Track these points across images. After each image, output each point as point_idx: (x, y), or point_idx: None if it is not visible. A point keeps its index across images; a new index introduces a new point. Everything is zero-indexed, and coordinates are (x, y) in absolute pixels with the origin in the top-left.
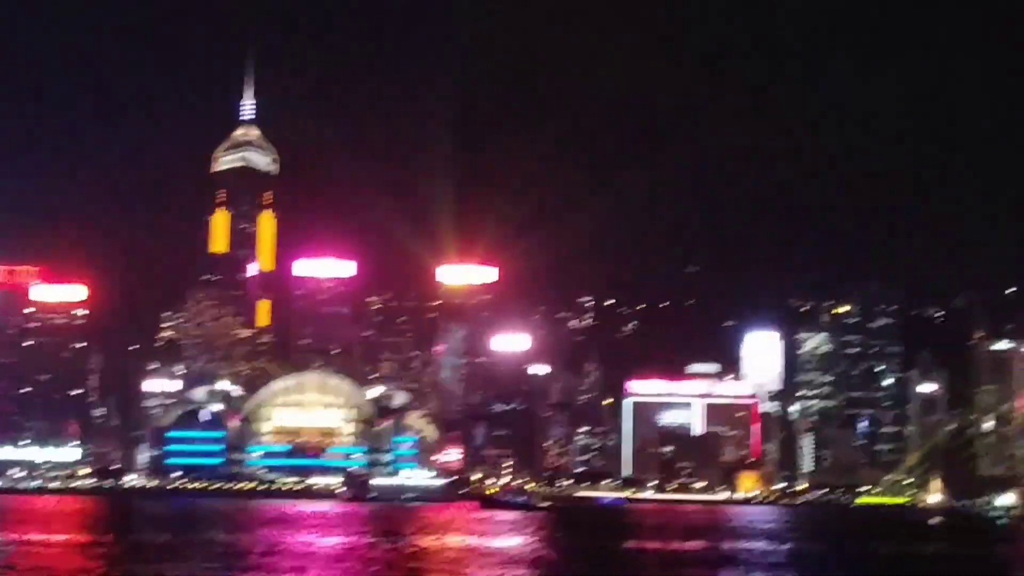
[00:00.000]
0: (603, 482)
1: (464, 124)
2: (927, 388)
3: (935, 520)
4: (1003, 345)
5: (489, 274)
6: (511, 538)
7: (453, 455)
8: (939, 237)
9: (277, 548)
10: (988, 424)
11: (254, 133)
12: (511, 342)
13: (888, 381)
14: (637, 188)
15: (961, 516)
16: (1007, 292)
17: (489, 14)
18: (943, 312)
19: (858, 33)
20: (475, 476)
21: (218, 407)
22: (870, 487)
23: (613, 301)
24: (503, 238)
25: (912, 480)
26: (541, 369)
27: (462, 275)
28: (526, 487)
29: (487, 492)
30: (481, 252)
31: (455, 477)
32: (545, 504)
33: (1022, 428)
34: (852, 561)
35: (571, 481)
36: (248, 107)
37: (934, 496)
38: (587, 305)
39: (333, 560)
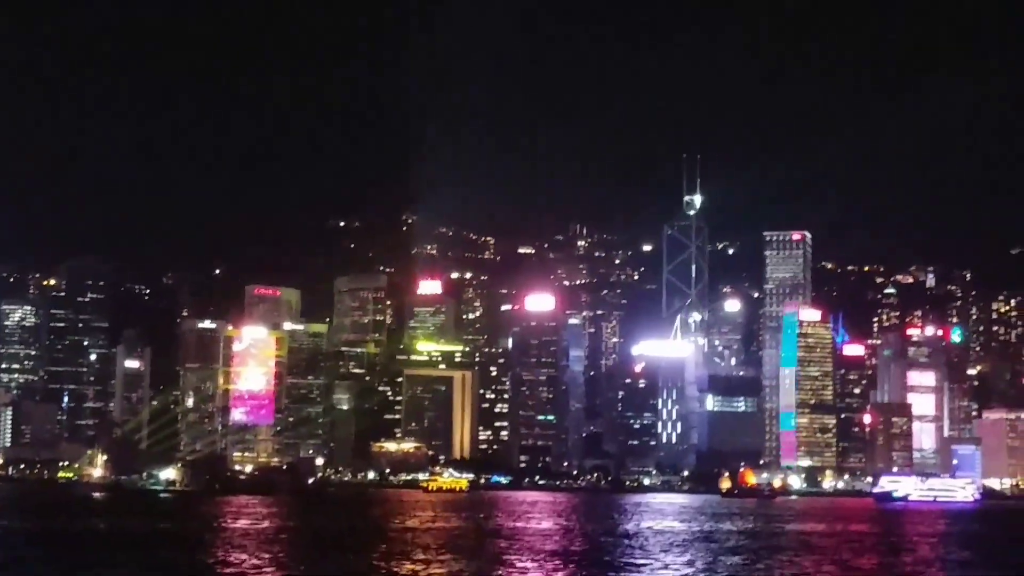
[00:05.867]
0: None
1: None
2: (132, 364)
3: (98, 494)
4: (207, 324)
5: None
6: None
7: None
8: (151, 215)
9: None
10: (190, 401)
11: None
12: None
13: (94, 356)
14: None
15: (125, 490)
16: (215, 272)
17: None
18: (150, 289)
19: None
20: None
21: None
22: (70, 462)
23: None
24: None
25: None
26: None
27: None
28: None
29: None
30: None
31: None
32: None
33: (221, 406)
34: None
35: None
36: None
37: (97, 470)
38: None
39: None
